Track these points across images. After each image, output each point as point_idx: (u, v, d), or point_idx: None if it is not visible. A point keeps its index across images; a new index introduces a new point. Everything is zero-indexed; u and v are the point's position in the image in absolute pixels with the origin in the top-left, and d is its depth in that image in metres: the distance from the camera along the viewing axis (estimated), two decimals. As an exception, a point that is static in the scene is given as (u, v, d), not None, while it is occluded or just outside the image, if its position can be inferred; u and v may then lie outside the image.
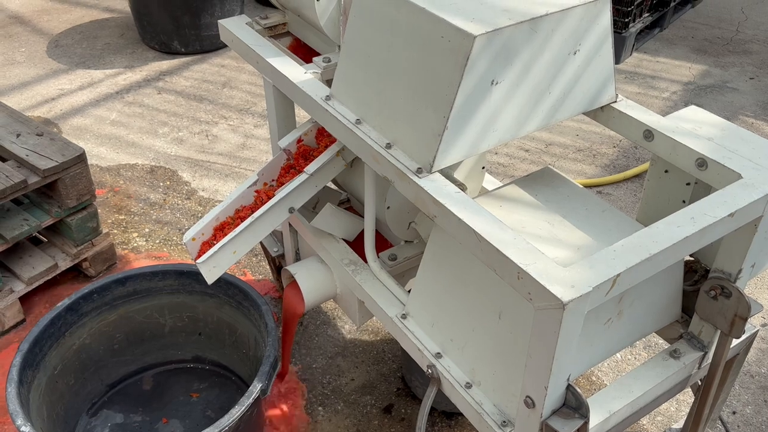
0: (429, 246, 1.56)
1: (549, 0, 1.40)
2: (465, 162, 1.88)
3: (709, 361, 1.59)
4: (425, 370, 1.59)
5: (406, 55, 1.40)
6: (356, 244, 1.92)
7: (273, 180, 1.85)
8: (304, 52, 2.07)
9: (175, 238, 2.84)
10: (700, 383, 1.70)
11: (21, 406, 1.70)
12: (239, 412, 1.68)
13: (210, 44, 4.21)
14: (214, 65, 4.14)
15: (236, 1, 4.18)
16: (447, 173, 1.48)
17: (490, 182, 2.04)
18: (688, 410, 2.17)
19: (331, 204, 1.89)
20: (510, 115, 1.43)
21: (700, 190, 1.56)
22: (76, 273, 2.63)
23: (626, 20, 4.04)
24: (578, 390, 1.27)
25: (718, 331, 1.51)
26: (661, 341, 2.40)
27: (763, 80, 4.08)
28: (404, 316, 1.67)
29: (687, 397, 2.24)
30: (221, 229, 1.79)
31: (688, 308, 1.62)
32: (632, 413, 1.52)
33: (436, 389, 1.58)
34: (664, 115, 1.59)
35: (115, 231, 2.86)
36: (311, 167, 1.74)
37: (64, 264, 2.51)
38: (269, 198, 1.76)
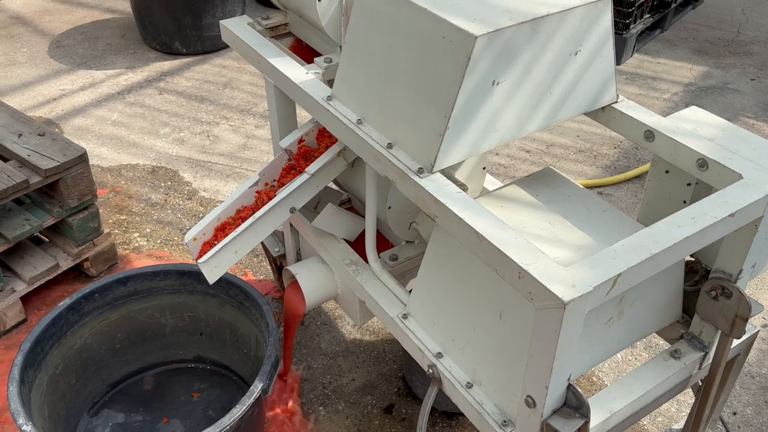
0: (430, 246, 1.56)
1: (550, 0, 1.41)
2: (466, 162, 1.88)
3: (710, 361, 1.59)
4: (426, 370, 1.59)
5: (408, 55, 1.41)
6: (357, 245, 1.93)
7: (274, 180, 1.86)
8: (305, 53, 2.07)
9: (176, 238, 2.84)
10: (700, 384, 1.70)
11: (22, 405, 1.70)
12: (240, 412, 1.68)
13: (211, 45, 4.22)
14: (216, 66, 4.14)
15: (237, 2, 4.19)
16: (448, 173, 1.48)
17: (491, 183, 2.04)
18: (688, 411, 2.17)
19: (332, 204, 1.89)
20: (511, 116, 1.43)
21: (700, 190, 1.56)
22: (77, 273, 2.63)
23: (627, 21, 4.04)
24: (579, 390, 1.27)
25: (719, 332, 1.51)
26: (662, 342, 2.40)
27: (763, 81, 4.08)
28: (405, 316, 1.67)
29: (687, 397, 2.25)
30: (222, 230, 1.80)
31: (688, 308, 1.63)
32: (633, 413, 1.52)
33: (436, 389, 1.58)
34: (664, 116, 1.59)
35: (117, 231, 2.87)
36: (312, 167, 1.74)
37: (66, 264, 2.51)
38: (270, 199, 1.76)
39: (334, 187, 2.16)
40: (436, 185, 1.35)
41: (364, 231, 1.85)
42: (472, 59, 1.28)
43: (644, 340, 2.42)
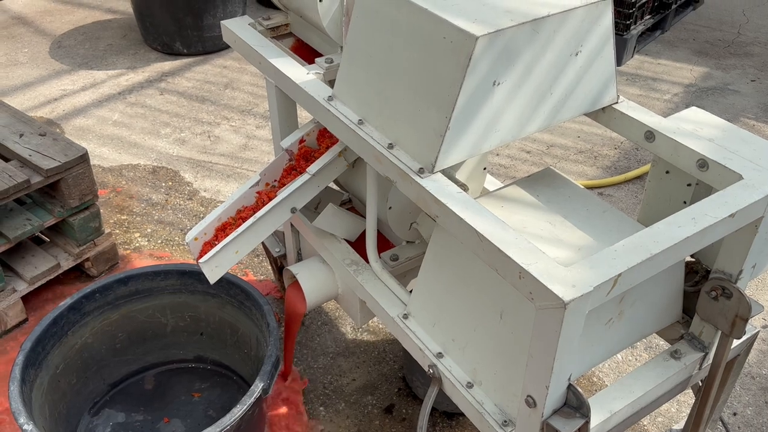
0: (430, 246, 1.56)
1: (551, 1, 1.41)
2: (467, 162, 1.88)
3: (710, 362, 1.59)
4: (426, 370, 1.59)
5: (408, 55, 1.41)
6: (358, 245, 1.93)
7: (275, 180, 1.86)
8: (306, 53, 2.07)
9: (177, 238, 2.85)
10: (700, 384, 1.70)
11: (23, 404, 1.70)
12: (241, 412, 1.68)
13: (212, 45, 4.22)
14: (217, 66, 4.15)
15: (238, 3, 4.19)
16: (449, 173, 1.49)
17: (491, 183, 2.05)
18: (688, 411, 2.17)
19: (333, 204, 1.90)
20: (512, 116, 1.43)
21: (701, 191, 1.56)
22: (78, 273, 2.64)
23: (628, 22, 4.04)
24: (579, 390, 1.27)
25: (719, 332, 1.51)
26: (662, 343, 2.40)
27: (764, 82, 4.08)
28: (406, 316, 1.67)
29: (688, 398, 2.25)
30: (223, 230, 1.80)
31: (688, 309, 1.63)
32: (633, 413, 1.53)
33: (437, 389, 1.58)
34: (665, 117, 1.59)
35: (117, 231, 2.87)
36: (313, 167, 1.74)
37: (67, 264, 2.52)
38: (270, 199, 1.76)
39: (335, 187, 2.16)
40: (436, 185, 1.35)
41: (364, 231, 1.86)
42: (472, 60, 1.28)
43: (644, 340, 2.42)
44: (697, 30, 4.70)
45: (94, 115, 3.65)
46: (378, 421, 2.16)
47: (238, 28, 1.98)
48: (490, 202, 1.59)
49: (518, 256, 1.18)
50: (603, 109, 1.61)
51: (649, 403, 1.55)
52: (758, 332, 1.71)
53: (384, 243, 2.01)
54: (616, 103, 1.61)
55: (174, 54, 4.22)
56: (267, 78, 1.89)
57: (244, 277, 2.65)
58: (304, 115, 3.22)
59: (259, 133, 3.53)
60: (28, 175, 2.29)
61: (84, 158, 2.38)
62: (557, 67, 1.44)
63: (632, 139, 1.59)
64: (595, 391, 2.27)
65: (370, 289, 1.77)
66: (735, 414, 2.20)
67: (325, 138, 1.81)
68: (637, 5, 4.03)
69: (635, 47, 4.29)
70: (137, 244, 2.81)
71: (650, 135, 1.54)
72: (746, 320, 1.44)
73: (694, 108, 1.68)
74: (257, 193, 1.84)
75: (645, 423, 2.18)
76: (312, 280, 1.97)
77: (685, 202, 1.60)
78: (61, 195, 2.41)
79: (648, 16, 4.32)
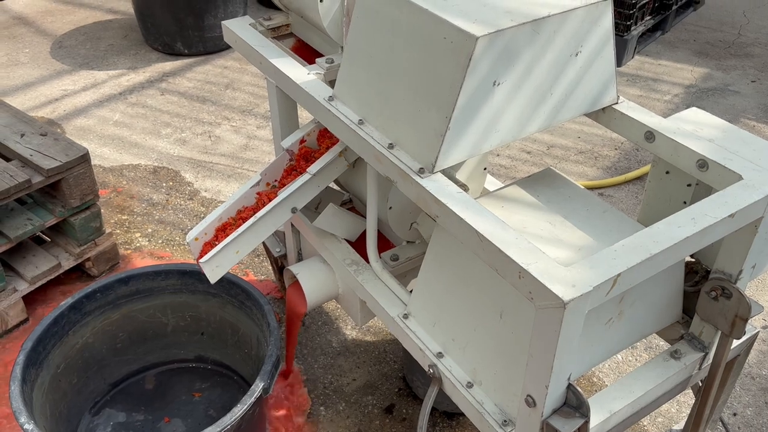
0: (431, 246, 1.57)
1: (551, 1, 1.41)
2: (467, 163, 1.88)
3: (710, 362, 1.59)
4: (427, 370, 1.59)
5: (409, 55, 1.41)
6: (358, 245, 1.93)
7: (275, 180, 1.86)
8: (307, 53, 2.07)
9: (177, 238, 2.85)
10: (700, 384, 1.70)
11: (24, 404, 1.71)
12: (241, 411, 1.68)
13: (213, 46, 4.23)
14: (217, 66, 4.15)
15: (239, 3, 4.20)
16: (449, 174, 1.49)
17: (491, 183, 2.05)
18: (688, 411, 2.17)
19: (333, 204, 1.90)
20: (512, 116, 1.43)
21: (701, 191, 1.56)
22: (79, 273, 2.64)
23: (628, 23, 4.05)
24: (579, 389, 1.27)
25: (719, 332, 1.52)
26: (662, 343, 2.40)
27: (764, 83, 4.08)
28: (406, 316, 1.68)
29: (688, 398, 2.25)
30: (223, 230, 1.80)
31: (688, 309, 1.63)
32: (633, 413, 1.53)
33: (437, 389, 1.58)
34: (665, 118, 1.59)
35: (118, 231, 2.87)
36: (314, 167, 1.75)
37: (68, 263, 2.52)
38: (270, 200, 1.77)
39: (336, 187, 2.17)
40: (437, 185, 1.36)
41: (365, 231, 1.86)
42: (473, 60, 1.29)
43: (644, 340, 2.43)
44: (698, 31, 4.70)
45: (95, 115, 3.66)
46: (378, 421, 2.16)
47: (239, 28, 1.98)
48: (490, 203, 1.60)
49: (518, 256, 1.18)
50: (603, 109, 1.62)
51: (649, 403, 1.55)
52: (758, 332, 1.72)
53: (384, 243, 2.01)
54: (616, 103, 1.62)
55: (175, 54, 4.22)
56: (268, 78, 1.90)
57: (244, 277, 2.65)
58: (304, 116, 3.23)
59: (259, 134, 3.54)
60: (29, 174, 2.30)
61: (85, 158, 2.39)
62: (557, 68, 1.45)
63: (632, 140, 1.59)
64: (595, 391, 2.27)
65: (371, 289, 1.78)
66: (735, 414, 2.20)
67: (325, 138, 1.82)
68: (638, 6, 4.04)
69: (636, 48, 4.29)
70: (138, 244, 2.81)
71: (650, 135, 1.55)
72: (746, 320, 1.44)
73: (694, 108, 1.68)
74: (257, 193, 1.84)
75: (645, 423, 2.18)
76: (312, 280, 1.98)
77: (685, 203, 1.60)
78: (62, 195, 2.41)
79: (648, 17, 4.33)
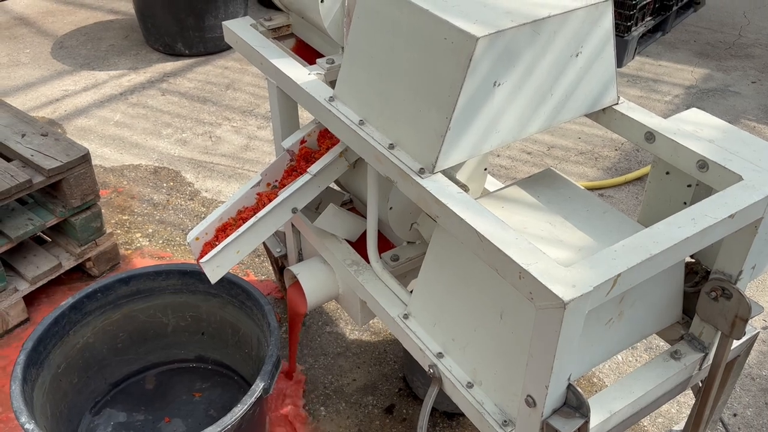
0: (431, 246, 1.57)
1: (551, 2, 1.41)
2: (467, 163, 1.89)
3: (710, 362, 1.60)
4: (427, 370, 1.60)
5: (409, 56, 1.41)
6: (359, 245, 1.93)
7: (276, 181, 1.87)
8: (307, 54, 2.08)
9: (178, 238, 2.85)
10: (700, 385, 1.70)
11: (25, 404, 1.71)
12: (241, 411, 1.68)
13: (214, 46, 4.23)
14: (218, 67, 4.15)
15: (240, 3, 4.20)
16: (449, 174, 1.49)
17: (492, 184, 2.05)
18: (688, 412, 2.17)
19: (333, 205, 1.90)
20: (512, 117, 1.43)
21: (701, 191, 1.56)
22: (79, 273, 2.64)
23: (629, 24, 4.05)
24: (579, 389, 1.27)
25: (719, 333, 1.52)
26: (662, 343, 2.40)
27: (765, 84, 4.08)
28: (406, 316, 1.68)
29: (688, 398, 2.25)
30: (223, 230, 1.80)
31: (689, 309, 1.63)
32: (633, 414, 1.53)
33: (437, 389, 1.59)
34: (665, 118, 1.59)
35: (119, 231, 2.87)
36: (314, 168, 1.75)
37: (68, 264, 2.52)
38: (270, 201, 1.77)
39: (336, 187, 2.17)
40: (437, 186, 1.36)
41: (365, 231, 1.86)
42: (473, 60, 1.29)
43: (645, 341, 2.43)
44: (698, 32, 4.71)
45: (95, 116, 3.66)
46: (378, 422, 2.17)
47: (239, 28, 1.99)
48: (490, 203, 1.60)
49: (518, 257, 1.18)
50: (603, 110, 1.62)
51: (649, 403, 1.55)
52: (758, 333, 1.72)
53: (385, 243, 2.01)
54: (617, 104, 1.62)
55: (175, 55, 4.23)
56: (268, 79, 1.90)
57: (245, 278, 2.65)
58: (305, 116, 3.23)
59: (260, 134, 3.54)
60: (30, 175, 2.30)
61: (86, 158, 2.39)
62: (557, 68, 1.45)
63: (632, 140, 1.59)
64: (596, 391, 2.27)
65: (371, 290, 1.78)
66: (735, 415, 2.20)
67: (325, 139, 1.82)
68: (638, 7, 4.04)
69: (636, 49, 4.29)
70: (138, 244, 2.81)
71: (650, 136, 1.55)
72: (746, 321, 1.44)
73: (694, 109, 1.68)
74: (258, 194, 1.84)
75: (645, 423, 2.18)
76: (313, 281, 1.98)
77: (685, 203, 1.60)
78: (62, 195, 2.42)
79: (649, 18, 4.33)
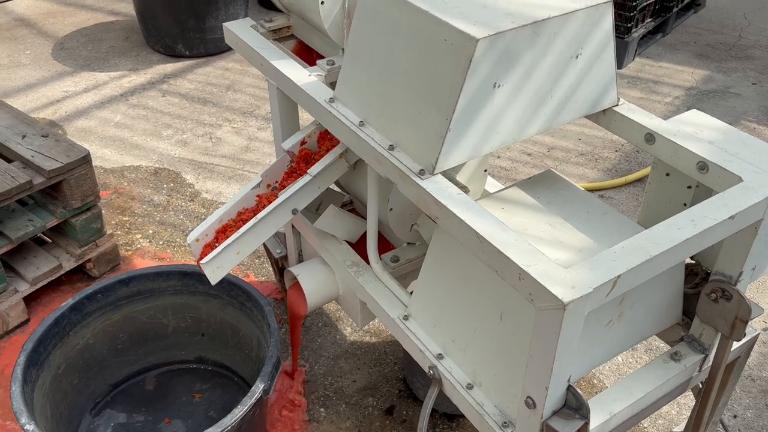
0: (431, 248, 1.57)
1: (551, 4, 1.41)
2: (467, 164, 1.89)
3: (710, 364, 1.59)
4: (427, 371, 1.60)
5: (409, 57, 1.42)
6: (359, 246, 1.93)
7: (276, 182, 1.87)
8: (308, 55, 2.08)
9: (178, 239, 2.85)
10: (701, 386, 1.70)
11: (25, 404, 1.71)
12: (241, 412, 1.68)
13: (214, 47, 4.23)
14: (218, 68, 4.16)
15: (240, 5, 4.20)
16: (449, 175, 1.49)
17: (492, 185, 2.05)
18: (689, 413, 2.17)
19: (334, 206, 1.90)
20: (512, 118, 1.44)
21: (701, 193, 1.56)
22: (80, 274, 2.64)
23: (629, 25, 4.05)
24: (579, 391, 1.27)
25: (719, 334, 1.52)
26: (663, 345, 2.40)
27: (765, 86, 4.08)
28: (406, 318, 1.68)
29: (688, 400, 2.25)
30: (223, 232, 1.80)
31: (689, 311, 1.63)
32: (633, 415, 1.53)
33: (437, 390, 1.59)
34: (665, 120, 1.59)
35: (119, 232, 2.88)
36: (314, 169, 1.75)
37: (68, 265, 2.52)
38: (270, 203, 1.77)
39: (336, 188, 2.17)
40: (437, 187, 1.36)
41: (365, 232, 1.86)
42: (473, 62, 1.29)
43: (645, 342, 2.43)
44: (699, 33, 4.71)
45: (96, 117, 3.66)
46: (378, 423, 2.17)
47: (240, 30, 1.99)
48: (490, 204, 1.60)
49: (518, 258, 1.18)
50: (603, 111, 1.62)
51: (649, 405, 1.55)
52: (758, 334, 1.72)
53: (385, 244, 2.01)
54: (617, 105, 1.62)
55: (176, 56, 4.23)
56: (269, 80, 1.90)
57: (245, 279, 2.65)
58: (305, 117, 3.23)
59: (260, 135, 3.54)
60: (30, 176, 2.30)
61: (86, 159, 2.39)
62: (557, 70, 1.45)
63: (633, 142, 1.59)
64: (595, 392, 2.27)
65: (371, 291, 1.78)
66: (735, 416, 2.20)
67: (325, 140, 1.82)
68: (638, 8, 4.04)
69: (636, 50, 4.29)
70: (139, 246, 2.82)
71: (650, 137, 1.55)
72: (746, 322, 1.44)
73: (694, 111, 1.68)
74: (258, 195, 1.84)
75: (645, 425, 2.18)
76: (313, 282, 1.98)
77: (685, 204, 1.60)
78: (63, 196, 2.42)
79: (649, 19, 4.33)
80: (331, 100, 1.64)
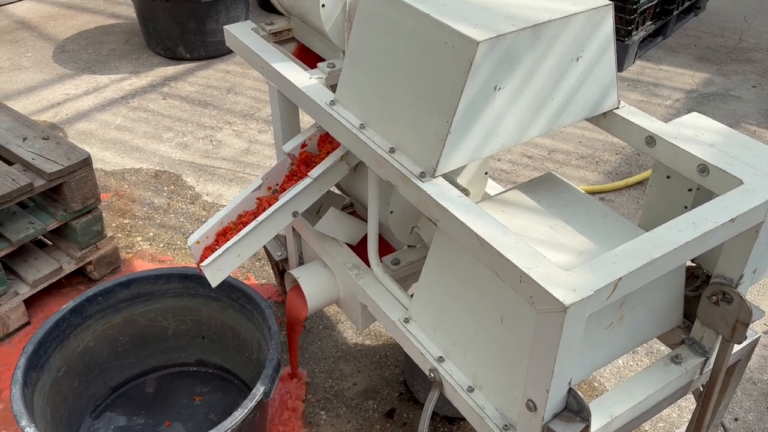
0: (432, 250, 1.57)
1: (552, 6, 1.42)
2: (468, 167, 1.89)
3: (711, 366, 1.59)
4: (427, 374, 1.59)
5: (410, 60, 1.42)
6: (359, 249, 1.93)
7: (277, 185, 1.87)
8: (308, 58, 2.08)
9: (179, 242, 2.85)
10: (701, 389, 1.70)
11: (25, 407, 1.71)
12: (242, 415, 1.68)
13: (215, 50, 4.24)
14: (219, 71, 4.16)
15: (241, 8, 4.21)
16: (450, 178, 1.49)
17: (492, 188, 2.05)
18: (689, 416, 2.16)
19: (334, 208, 1.90)
20: (513, 121, 1.44)
21: (701, 196, 1.56)
22: (80, 276, 2.64)
23: (629, 28, 4.05)
24: (579, 393, 1.27)
25: (720, 337, 1.51)
26: (663, 348, 2.40)
27: (765, 88, 4.08)
28: (407, 320, 1.68)
29: (689, 403, 2.25)
30: (223, 234, 1.80)
31: (689, 314, 1.63)
32: (634, 418, 1.53)
33: (438, 393, 1.58)
34: (666, 122, 1.60)
35: (120, 235, 2.88)
36: (315, 171, 1.75)
37: (69, 267, 2.52)
38: (270, 205, 1.77)
39: (337, 191, 2.17)
40: (438, 189, 1.36)
41: (366, 235, 1.86)
42: (474, 65, 1.29)
43: (645, 345, 2.42)
44: (699, 36, 4.71)
45: (96, 120, 3.67)
46: (379, 426, 2.16)
47: (240, 32, 1.99)
48: (491, 207, 1.60)
49: (519, 260, 1.18)
50: (604, 114, 1.62)
51: (649, 407, 1.55)
52: (759, 337, 1.71)
53: (385, 247, 2.01)
54: (617, 108, 1.62)
55: (177, 59, 4.23)
56: (269, 82, 1.90)
57: (245, 281, 2.65)
58: (306, 120, 3.23)
59: (261, 138, 3.54)
60: (31, 178, 2.30)
61: (87, 162, 2.39)
62: (558, 72, 1.45)
63: (633, 144, 1.59)
64: (596, 395, 2.26)
65: (372, 293, 1.78)
66: (736, 419, 2.20)
67: (326, 143, 1.82)
68: (639, 11, 4.04)
69: (637, 53, 4.29)
70: (139, 248, 2.82)
71: (651, 140, 1.55)
72: (747, 325, 1.44)
73: (695, 113, 1.68)
74: (258, 198, 1.84)
75: (646, 428, 2.17)
76: (313, 284, 1.98)
77: (686, 207, 1.60)
78: (63, 198, 2.42)
79: (649, 22, 4.33)
80: (332, 102, 1.64)
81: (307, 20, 1.91)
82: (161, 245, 2.83)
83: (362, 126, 1.55)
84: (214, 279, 1.75)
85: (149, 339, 2.19)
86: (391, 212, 1.80)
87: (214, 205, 3.06)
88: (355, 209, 2.19)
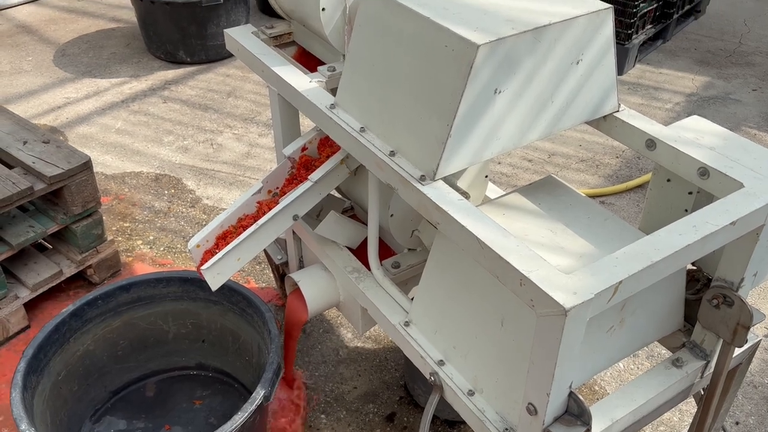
0: (432, 253, 1.57)
1: (552, 10, 1.42)
2: (468, 170, 1.89)
3: (712, 370, 1.59)
4: (428, 378, 1.59)
5: (410, 63, 1.42)
6: (360, 252, 1.93)
7: (277, 188, 1.87)
8: (309, 62, 2.08)
9: (179, 245, 2.85)
10: (702, 393, 1.70)
11: (25, 411, 1.70)
12: (242, 419, 1.68)
13: (215, 54, 4.24)
14: (220, 75, 4.16)
15: (242, 11, 4.21)
16: (450, 181, 1.49)
17: (493, 191, 2.05)
18: (690, 420, 2.16)
19: (334, 212, 1.90)
20: (513, 124, 1.44)
21: (702, 199, 1.56)
22: (80, 280, 2.64)
23: (629, 32, 4.06)
24: (580, 397, 1.27)
25: (721, 340, 1.51)
26: (664, 351, 2.40)
27: (765, 92, 4.09)
28: (407, 324, 1.68)
29: (690, 407, 2.24)
30: (224, 238, 1.80)
31: (690, 317, 1.63)
32: (634, 422, 1.52)
33: (438, 397, 1.58)
34: (666, 126, 1.60)
35: (120, 238, 2.88)
36: (315, 175, 1.75)
37: (69, 271, 2.52)
38: (270, 209, 1.77)
39: (337, 194, 2.17)
40: (438, 193, 1.36)
41: (366, 238, 1.86)
42: (474, 68, 1.29)
43: (646, 348, 2.42)
44: (699, 39, 4.72)
45: (97, 123, 3.67)
46: (379, 430, 2.16)
47: (241, 36, 1.99)
48: (491, 210, 1.60)
49: (519, 264, 1.18)
50: (604, 117, 1.62)
51: (650, 411, 1.55)
52: (760, 341, 1.71)
53: (386, 250, 2.01)
54: (618, 111, 1.62)
55: (177, 62, 4.24)
56: (270, 86, 1.90)
57: (245, 285, 2.65)
58: (306, 123, 3.23)
59: (261, 141, 3.54)
60: (31, 182, 2.30)
61: (87, 165, 2.39)
62: (558, 76, 1.45)
63: (633, 148, 1.59)
64: (597, 399, 2.26)
65: (372, 297, 1.78)
66: (737, 423, 2.19)
67: (326, 147, 1.82)
68: (639, 15, 4.05)
69: (637, 56, 4.30)
70: (139, 252, 2.81)
71: (651, 143, 1.55)
72: (748, 328, 1.44)
73: (695, 117, 1.68)
74: (258, 202, 1.84)
75: (647, 431, 2.17)
76: (314, 288, 1.98)
77: (686, 210, 1.60)
78: (64, 202, 2.42)
79: (650, 26, 4.34)
80: (332, 106, 1.64)
81: (308, 24, 1.92)
82: (161, 249, 2.83)
83: (362, 129, 1.55)
84: (215, 282, 1.75)
85: (149, 343, 2.19)
86: (392, 215, 1.80)
87: (215, 209, 3.06)
88: (355, 212, 2.19)
